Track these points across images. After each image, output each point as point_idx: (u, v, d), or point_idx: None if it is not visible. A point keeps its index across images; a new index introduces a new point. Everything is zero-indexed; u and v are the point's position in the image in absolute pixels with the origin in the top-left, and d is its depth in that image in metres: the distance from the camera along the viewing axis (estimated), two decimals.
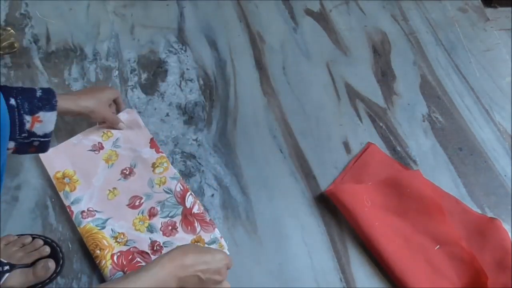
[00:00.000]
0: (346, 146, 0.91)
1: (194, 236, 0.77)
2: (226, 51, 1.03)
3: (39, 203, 0.80)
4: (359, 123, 0.95)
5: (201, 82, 0.98)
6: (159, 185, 0.81)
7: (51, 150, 0.76)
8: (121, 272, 0.72)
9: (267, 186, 0.85)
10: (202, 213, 0.79)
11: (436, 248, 0.78)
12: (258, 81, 0.99)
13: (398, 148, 0.92)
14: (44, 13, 1.05)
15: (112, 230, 0.76)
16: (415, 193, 0.82)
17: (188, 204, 0.79)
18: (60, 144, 0.84)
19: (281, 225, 0.81)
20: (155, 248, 0.75)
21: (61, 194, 0.79)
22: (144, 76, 0.98)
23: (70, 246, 0.77)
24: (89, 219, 0.77)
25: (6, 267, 0.68)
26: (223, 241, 0.77)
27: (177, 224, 0.78)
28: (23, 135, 0.66)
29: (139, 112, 0.92)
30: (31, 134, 0.67)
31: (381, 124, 0.95)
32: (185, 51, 1.03)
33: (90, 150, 0.84)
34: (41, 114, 0.66)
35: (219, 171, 0.86)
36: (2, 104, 0.49)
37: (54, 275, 0.72)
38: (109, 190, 0.80)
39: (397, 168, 0.88)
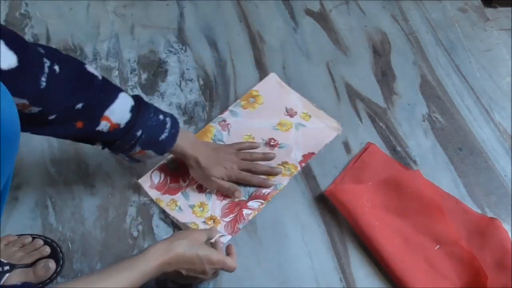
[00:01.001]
0: (346, 146, 0.91)
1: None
2: (226, 51, 1.03)
3: (39, 203, 0.80)
4: (359, 123, 0.95)
5: (201, 82, 0.98)
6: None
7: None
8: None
9: None
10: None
11: (436, 248, 0.78)
12: (258, 81, 0.99)
13: (398, 148, 0.92)
14: (44, 13, 1.05)
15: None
16: (415, 193, 0.82)
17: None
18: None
19: (281, 225, 0.81)
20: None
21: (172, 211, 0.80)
22: (144, 76, 0.98)
23: (70, 246, 0.77)
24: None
25: (6, 267, 0.68)
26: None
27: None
28: (122, 154, 0.70)
29: None
30: (130, 156, 0.70)
31: (381, 124, 0.95)
32: (185, 51, 1.03)
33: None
34: (149, 152, 0.70)
35: None
36: (7, 115, 0.48)
37: (54, 275, 0.72)
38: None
39: (397, 168, 0.87)
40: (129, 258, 0.59)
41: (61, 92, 0.57)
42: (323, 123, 0.92)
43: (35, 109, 0.55)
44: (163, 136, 0.69)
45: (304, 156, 0.87)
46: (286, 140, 0.89)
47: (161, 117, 0.69)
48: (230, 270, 0.67)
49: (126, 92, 0.66)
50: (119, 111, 0.63)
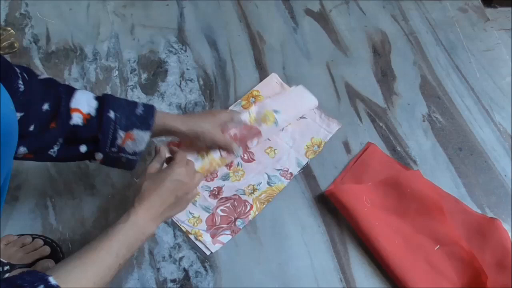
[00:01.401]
0: (346, 146, 0.91)
1: None
2: (226, 51, 1.03)
3: (39, 203, 0.80)
4: (359, 123, 0.95)
5: (201, 82, 0.98)
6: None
7: None
8: None
9: None
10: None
11: (436, 248, 0.78)
12: (258, 81, 0.99)
13: (398, 148, 0.92)
14: (44, 13, 1.05)
15: None
16: (415, 193, 0.82)
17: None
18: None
19: (281, 225, 0.81)
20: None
21: None
22: (144, 76, 0.98)
23: (70, 246, 0.77)
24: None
25: (6, 267, 0.68)
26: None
27: None
28: (113, 149, 0.65)
29: None
30: (121, 149, 0.66)
31: (381, 124, 0.95)
32: (185, 51, 1.03)
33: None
34: (135, 132, 0.66)
35: None
36: (6, 111, 0.48)
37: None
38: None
39: (397, 168, 0.87)
40: (113, 224, 0.59)
41: (34, 94, 0.58)
42: (322, 122, 0.93)
43: (18, 116, 0.55)
44: (139, 110, 0.67)
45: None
46: (282, 140, 0.90)
47: (128, 99, 0.69)
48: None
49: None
50: (84, 100, 0.63)
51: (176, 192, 0.64)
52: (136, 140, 0.66)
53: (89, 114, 0.63)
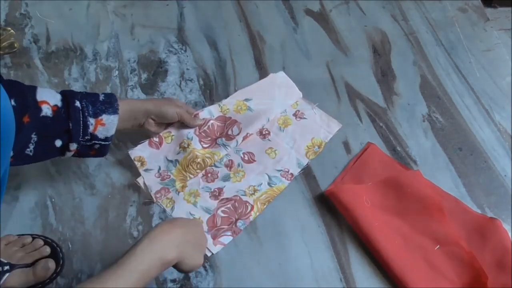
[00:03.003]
0: (346, 146, 0.91)
1: None
2: (226, 51, 1.03)
3: (39, 203, 0.80)
4: (359, 123, 0.95)
5: (201, 82, 0.98)
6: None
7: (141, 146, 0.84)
8: None
9: None
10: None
11: (436, 248, 0.78)
12: (258, 81, 0.98)
13: (398, 148, 0.92)
14: (44, 13, 1.05)
15: None
16: (415, 193, 0.82)
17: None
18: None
19: (281, 225, 0.81)
20: None
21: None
22: (144, 76, 0.98)
23: (70, 246, 0.77)
24: None
25: (6, 267, 0.68)
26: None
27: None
28: (86, 137, 0.68)
29: None
30: (93, 137, 0.69)
31: (381, 124, 0.95)
32: (185, 51, 1.03)
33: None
34: (104, 117, 0.69)
35: None
36: (5, 107, 0.48)
37: (54, 275, 0.72)
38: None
39: (397, 168, 0.88)
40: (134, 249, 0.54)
41: None
42: (319, 121, 0.93)
43: None
44: (102, 97, 0.70)
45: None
46: (281, 143, 0.90)
47: (87, 91, 0.72)
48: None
49: None
50: (47, 93, 0.65)
51: (197, 234, 0.63)
52: (107, 124, 0.69)
53: (56, 105, 0.65)
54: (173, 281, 0.74)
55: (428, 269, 0.76)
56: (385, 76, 1.02)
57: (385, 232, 0.78)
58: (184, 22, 1.07)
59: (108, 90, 0.95)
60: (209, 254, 0.77)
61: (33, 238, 0.74)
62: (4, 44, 0.97)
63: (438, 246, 0.78)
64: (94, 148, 0.71)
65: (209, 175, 0.84)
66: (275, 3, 1.13)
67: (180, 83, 0.98)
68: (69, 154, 0.69)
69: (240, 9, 1.11)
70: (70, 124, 0.65)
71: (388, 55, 1.06)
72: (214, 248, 0.77)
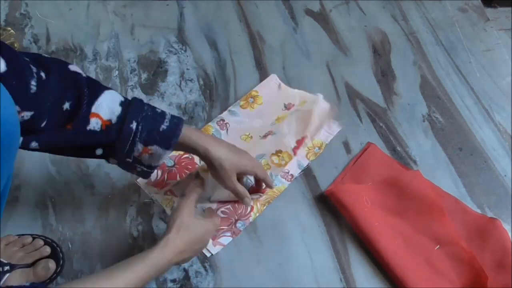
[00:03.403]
0: (346, 146, 0.91)
1: None
2: (226, 51, 1.03)
3: (39, 203, 0.80)
4: (359, 123, 0.95)
5: (201, 82, 0.98)
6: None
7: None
8: None
9: None
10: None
11: (436, 248, 0.78)
12: (258, 81, 0.99)
13: (398, 148, 0.92)
14: (44, 13, 1.05)
15: None
16: (415, 193, 0.82)
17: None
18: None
19: (281, 225, 0.81)
20: None
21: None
22: (144, 76, 0.98)
23: (70, 246, 0.77)
24: None
25: (7, 267, 0.68)
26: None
27: None
28: (127, 159, 0.63)
29: None
30: (137, 160, 0.64)
31: (381, 124, 0.95)
32: (185, 51, 1.03)
33: None
34: (154, 148, 0.63)
35: None
36: (8, 114, 0.48)
37: (54, 275, 0.72)
38: None
39: (397, 168, 0.88)
40: (139, 257, 0.59)
41: (50, 94, 0.56)
42: (319, 107, 0.92)
43: (27, 115, 0.53)
44: (163, 126, 0.62)
45: (297, 141, 0.87)
46: (279, 127, 0.90)
47: (158, 110, 0.64)
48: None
49: (116, 91, 0.63)
50: (107, 105, 0.60)
51: (199, 248, 0.67)
52: (154, 155, 0.64)
53: (109, 120, 0.60)
54: (173, 281, 0.74)
55: (428, 269, 0.76)
56: (385, 76, 1.02)
57: (385, 232, 0.78)
58: (184, 22, 1.07)
59: None
60: (208, 254, 0.77)
61: (33, 238, 0.74)
62: None
63: (438, 246, 0.78)
64: (136, 169, 0.66)
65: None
66: (275, 3, 1.13)
67: (180, 83, 0.98)
68: (113, 161, 0.65)
69: (240, 9, 1.11)
70: (116, 142, 0.61)
71: (388, 55, 1.06)
72: (213, 248, 0.77)
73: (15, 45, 0.98)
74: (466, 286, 0.75)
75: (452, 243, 0.78)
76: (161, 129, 0.62)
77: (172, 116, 0.64)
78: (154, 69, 0.99)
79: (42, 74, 0.55)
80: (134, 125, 0.60)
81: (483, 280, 0.74)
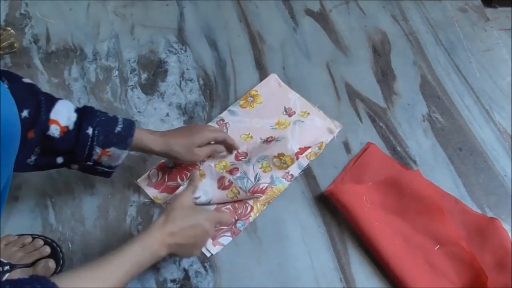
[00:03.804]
0: (346, 146, 0.91)
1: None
2: (226, 51, 1.03)
3: (39, 203, 0.80)
4: (359, 123, 0.95)
5: (201, 82, 0.98)
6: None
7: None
8: None
9: None
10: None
11: (436, 248, 0.78)
12: (258, 81, 0.99)
13: (398, 148, 0.92)
14: (44, 13, 1.05)
15: None
16: (415, 193, 0.82)
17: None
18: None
19: (281, 225, 0.81)
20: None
21: None
22: (144, 76, 0.98)
23: (70, 246, 0.77)
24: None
25: (6, 267, 0.68)
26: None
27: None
28: (88, 163, 0.66)
29: (138, 112, 0.92)
30: (97, 163, 0.67)
31: (381, 124, 0.95)
32: (185, 51, 1.03)
33: None
34: (112, 150, 0.66)
35: None
36: (9, 113, 0.47)
37: (54, 275, 0.72)
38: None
39: (397, 168, 0.88)
40: (130, 240, 0.60)
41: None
42: (321, 122, 0.92)
43: None
44: (118, 128, 0.66)
45: (300, 148, 0.87)
46: (283, 134, 0.89)
47: (110, 114, 0.68)
48: (228, 222, 0.72)
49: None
50: (63, 112, 0.62)
51: (197, 239, 0.66)
52: (112, 156, 0.67)
53: (67, 127, 0.63)
54: (173, 281, 0.74)
55: (428, 269, 0.76)
56: (385, 76, 1.02)
57: (385, 232, 0.78)
58: (184, 22, 1.07)
59: (108, 90, 0.95)
60: (208, 254, 0.77)
61: (33, 238, 0.74)
62: (4, 44, 0.97)
63: (438, 246, 0.78)
64: (97, 171, 0.70)
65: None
66: (275, 3, 1.13)
67: (180, 83, 0.98)
68: (74, 166, 0.68)
69: (240, 9, 1.11)
70: (75, 149, 0.64)
71: (388, 55, 1.06)
72: (213, 248, 0.77)
73: (15, 45, 0.98)
74: (466, 286, 0.75)
75: (452, 243, 0.78)
76: (116, 131, 0.66)
77: (124, 119, 0.68)
78: (154, 69, 0.99)
79: (6, 82, 0.56)
80: (90, 130, 0.64)
81: (483, 280, 0.74)
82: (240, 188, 0.80)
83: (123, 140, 0.67)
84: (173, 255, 0.67)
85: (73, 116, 0.64)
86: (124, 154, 0.68)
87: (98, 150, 0.65)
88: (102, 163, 0.68)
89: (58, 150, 0.64)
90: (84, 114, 0.64)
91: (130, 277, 0.58)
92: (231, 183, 0.80)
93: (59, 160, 0.65)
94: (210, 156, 0.85)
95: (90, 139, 0.64)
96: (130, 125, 0.68)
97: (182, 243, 0.63)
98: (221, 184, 0.81)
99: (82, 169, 0.68)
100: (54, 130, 0.61)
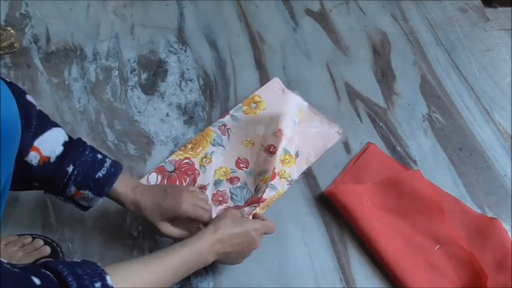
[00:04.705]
0: (346, 146, 0.91)
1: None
2: (226, 51, 1.03)
3: (39, 203, 0.80)
4: (359, 123, 0.95)
5: (201, 82, 0.98)
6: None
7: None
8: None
9: None
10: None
11: (436, 248, 0.78)
12: (258, 81, 0.99)
13: (398, 148, 0.92)
14: (44, 13, 1.05)
15: None
16: (415, 193, 0.82)
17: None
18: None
19: (281, 225, 0.81)
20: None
21: None
22: (144, 76, 0.98)
23: (70, 246, 0.77)
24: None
25: None
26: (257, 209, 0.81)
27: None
28: (60, 196, 0.65)
29: (138, 112, 0.92)
30: (69, 199, 0.65)
31: (381, 124, 0.95)
32: (185, 51, 1.03)
33: None
34: (87, 193, 0.64)
35: None
36: (9, 111, 0.47)
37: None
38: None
39: (397, 168, 0.87)
40: (181, 242, 0.61)
41: None
42: (323, 128, 0.91)
43: None
44: (100, 174, 0.64)
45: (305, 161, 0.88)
46: (285, 142, 0.88)
47: (99, 156, 0.65)
48: (273, 230, 0.71)
49: (64, 130, 0.64)
50: (49, 142, 0.60)
51: (245, 246, 0.66)
52: (86, 198, 0.65)
53: (48, 158, 0.60)
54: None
55: (428, 269, 0.76)
56: (385, 76, 1.02)
57: (385, 232, 0.78)
58: (184, 22, 1.07)
59: (108, 90, 0.95)
60: None
61: (33, 238, 0.74)
62: (4, 44, 0.97)
63: (438, 246, 0.78)
64: (74, 203, 0.67)
65: (220, 198, 0.84)
66: (275, 3, 1.13)
67: (180, 83, 0.98)
68: (48, 194, 0.66)
69: (240, 9, 1.11)
70: (51, 180, 0.62)
71: (388, 55, 1.06)
72: None
73: (15, 45, 0.98)
74: (466, 286, 0.75)
75: (452, 243, 0.78)
76: (96, 176, 0.64)
77: (111, 164, 0.65)
78: (154, 69, 0.99)
79: None
80: (70, 168, 0.62)
81: (483, 280, 0.74)
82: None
83: (101, 187, 0.64)
84: (218, 262, 0.66)
85: (59, 150, 0.61)
86: (97, 200, 0.65)
87: (72, 189, 0.63)
88: (75, 200, 0.66)
89: (34, 176, 0.61)
90: (71, 149, 0.62)
91: (178, 277, 0.58)
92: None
93: (35, 184, 0.63)
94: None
95: (67, 177, 0.62)
96: (113, 173, 0.65)
97: (229, 251, 0.64)
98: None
99: (59, 198, 0.66)
100: (33, 158, 0.59)
